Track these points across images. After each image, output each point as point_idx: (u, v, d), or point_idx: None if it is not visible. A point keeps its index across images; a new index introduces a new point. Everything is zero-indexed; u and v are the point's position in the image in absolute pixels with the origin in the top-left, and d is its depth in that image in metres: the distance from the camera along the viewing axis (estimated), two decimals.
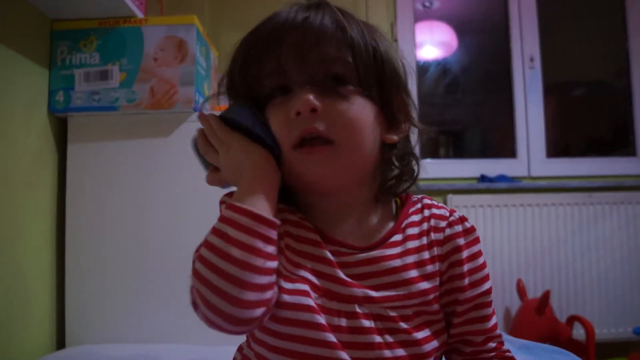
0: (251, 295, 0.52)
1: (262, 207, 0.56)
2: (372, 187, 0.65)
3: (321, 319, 0.56)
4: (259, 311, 0.54)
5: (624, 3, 2.77)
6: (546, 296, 2.16)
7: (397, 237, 0.63)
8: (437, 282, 0.62)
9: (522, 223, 2.42)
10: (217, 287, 0.52)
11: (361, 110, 0.60)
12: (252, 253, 0.53)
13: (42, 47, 1.54)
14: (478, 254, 0.64)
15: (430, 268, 0.62)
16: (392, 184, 0.67)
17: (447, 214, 0.66)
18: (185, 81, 1.57)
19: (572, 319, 2.23)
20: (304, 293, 0.57)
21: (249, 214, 0.54)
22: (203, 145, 0.66)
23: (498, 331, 0.66)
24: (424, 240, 0.63)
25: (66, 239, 1.61)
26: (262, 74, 0.59)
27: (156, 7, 2.01)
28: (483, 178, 2.58)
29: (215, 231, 0.55)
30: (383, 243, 0.62)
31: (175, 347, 1.49)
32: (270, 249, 0.55)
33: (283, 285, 0.58)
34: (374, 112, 0.62)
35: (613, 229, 2.42)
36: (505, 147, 2.78)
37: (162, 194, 1.62)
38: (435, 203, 0.68)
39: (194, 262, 0.58)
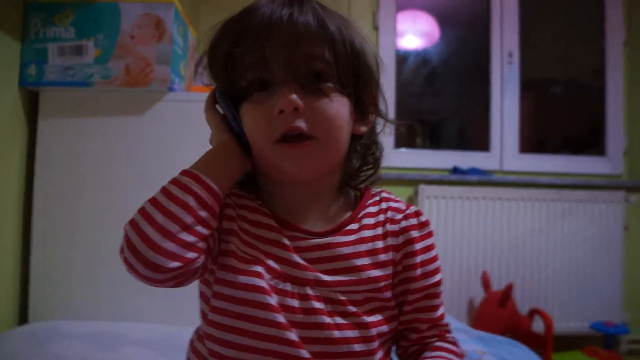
0: (171, 246, 0.56)
1: (209, 175, 0.60)
2: (338, 176, 0.68)
3: (271, 300, 0.59)
4: (174, 264, 0.56)
5: (603, 2, 2.81)
6: (509, 289, 2.21)
7: (353, 226, 0.65)
8: (389, 270, 0.64)
9: (490, 216, 2.47)
10: (145, 232, 0.57)
11: (340, 107, 0.62)
12: (183, 208, 0.57)
13: (15, 19, 1.51)
14: (431, 246, 0.67)
15: (383, 257, 0.64)
16: (357, 172, 0.69)
17: (404, 207, 0.68)
18: (162, 60, 1.55)
19: (533, 312, 2.29)
20: (257, 274, 0.60)
21: (192, 175, 0.60)
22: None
23: (445, 320, 0.69)
24: (379, 230, 0.65)
25: (33, 214, 1.59)
26: (245, 65, 0.61)
27: None
28: (455, 170, 2.62)
29: (162, 189, 0.61)
30: (338, 230, 0.64)
31: (142, 325, 1.50)
32: (204, 213, 0.58)
33: (236, 266, 0.61)
34: (349, 107, 0.64)
35: (579, 226, 2.48)
36: (479, 140, 2.81)
37: (134, 172, 1.61)
38: (393, 197, 0.71)
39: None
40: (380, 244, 0.65)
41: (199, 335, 0.66)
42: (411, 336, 0.67)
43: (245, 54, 0.60)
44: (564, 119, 3.10)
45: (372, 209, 0.68)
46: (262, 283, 0.59)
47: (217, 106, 0.68)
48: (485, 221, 2.47)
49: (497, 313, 2.21)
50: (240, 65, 0.61)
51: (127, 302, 1.53)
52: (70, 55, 1.54)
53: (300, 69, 0.60)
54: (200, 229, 0.58)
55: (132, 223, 0.59)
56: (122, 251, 0.60)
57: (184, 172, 0.61)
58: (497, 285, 2.39)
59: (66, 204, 1.60)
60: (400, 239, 0.66)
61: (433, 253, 0.67)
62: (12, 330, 1.42)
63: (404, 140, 2.80)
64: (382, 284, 0.63)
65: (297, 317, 0.59)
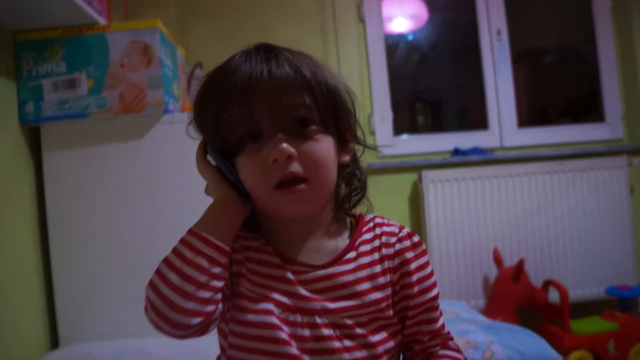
0: (191, 305, 0.61)
1: (216, 235, 0.64)
2: (330, 206, 0.72)
3: (282, 334, 0.64)
4: (196, 320, 0.62)
5: None
6: (520, 264, 2.24)
7: (351, 255, 0.69)
8: (389, 291, 0.68)
9: (496, 194, 2.49)
10: (164, 294, 0.61)
11: (326, 147, 0.66)
12: (197, 270, 0.62)
13: (6, 59, 1.56)
14: (425, 264, 0.71)
15: (381, 280, 0.68)
16: (346, 198, 0.74)
17: (397, 230, 0.72)
18: (153, 84, 1.59)
19: (547, 284, 2.31)
20: (268, 312, 0.65)
21: (201, 237, 0.63)
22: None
23: (446, 330, 0.74)
24: (376, 255, 0.69)
25: (50, 244, 1.65)
26: (235, 123, 0.64)
27: (121, 8, 2.01)
28: (457, 151, 2.64)
29: (174, 250, 0.65)
30: (338, 260, 0.69)
31: (167, 341, 1.55)
32: (216, 269, 0.63)
33: (247, 306, 0.66)
34: (334, 143, 0.68)
35: (584, 195, 2.49)
36: (478, 120, 2.83)
37: (138, 194, 1.66)
38: (386, 221, 0.74)
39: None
40: (378, 268, 0.69)
41: None
42: (415, 347, 0.72)
43: (233, 112, 0.64)
44: (560, 87, 3.10)
45: (367, 236, 0.71)
46: (273, 319, 0.64)
47: (208, 157, 0.71)
48: (491, 200, 2.49)
49: (512, 288, 2.24)
50: (229, 124, 0.65)
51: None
52: (64, 90, 1.59)
53: (286, 118, 0.64)
54: (215, 283, 0.63)
55: (152, 285, 0.63)
56: (146, 310, 0.64)
57: (193, 234, 0.64)
58: (510, 261, 2.41)
59: (78, 229, 1.66)
60: (396, 261, 0.69)
61: (428, 270, 0.70)
62: (46, 355, 1.49)
63: (403, 126, 2.81)
64: (384, 304, 0.67)
65: (309, 345, 0.64)
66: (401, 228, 0.73)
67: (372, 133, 2.66)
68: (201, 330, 0.64)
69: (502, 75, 2.74)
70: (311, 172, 0.64)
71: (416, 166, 2.59)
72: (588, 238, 2.50)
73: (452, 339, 0.74)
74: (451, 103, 3.16)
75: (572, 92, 3.11)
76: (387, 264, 0.69)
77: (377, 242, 0.70)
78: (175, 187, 1.61)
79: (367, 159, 2.50)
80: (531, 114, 3.00)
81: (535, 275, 2.43)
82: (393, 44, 2.88)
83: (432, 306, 0.70)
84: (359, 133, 0.73)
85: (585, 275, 2.47)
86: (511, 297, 2.24)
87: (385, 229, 0.72)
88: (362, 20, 2.69)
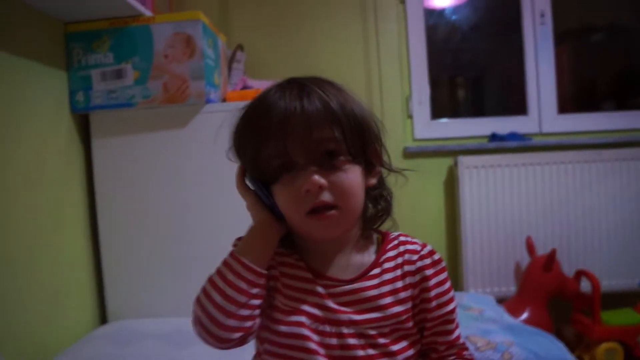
0: (232, 322, 0.69)
1: (255, 258, 0.72)
2: (359, 225, 0.78)
3: (312, 345, 0.71)
4: (237, 335, 0.70)
5: None
6: (553, 254, 2.24)
7: (376, 271, 0.75)
8: (409, 305, 0.75)
9: (532, 181, 2.48)
10: (209, 312, 0.69)
11: (353, 176, 0.72)
12: (237, 292, 0.69)
13: (58, 51, 1.63)
14: (444, 281, 0.77)
15: (403, 295, 0.74)
16: (373, 219, 0.80)
17: (419, 248, 0.78)
18: (196, 75, 1.65)
19: (579, 274, 2.31)
20: (299, 324, 0.72)
21: (241, 263, 0.71)
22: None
23: (461, 341, 0.79)
24: (398, 272, 0.76)
25: (99, 226, 1.76)
26: (271, 156, 0.70)
27: (165, 1, 2.06)
28: (494, 136, 2.63)
29: (218, 272, 0.73)
30: (364, 276, 0.75)
31: None
32: (255, 290, 0.71)
33: (280, 318, 0.73)
34: (361, 171, 0.74)
35: (622, 186, 2.45)
36: (518, 103, 2.79)
37: (181, 179, 1.74)
38: (410, 239, 0.80)
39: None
40: (399, 284, 0.75)
41: None
42: (432, 355, 0.78)
43: (269, 146, 0.70)
44: (606, 68, 3.00)
45: (392, 253, 0.77)
46: (303, 331, 0.71)
47: (247, 181, 0.77)
48: (526, 187, 2.48)
49: (543, 277, 2.25)
50: (266, 157, 0.71)
51: (191, 297, 1.67)
52: (112, 80, 1.66)
53: (316, 151, 0.69)
54: (253, 302, 0.71)
55: (198, 302, 0.71)
56: (194, 324, 0.72)
57: (235, 258, 0.72)
58: (543, 249, 2.42)
59: (125, 210, 1.76)
60: (417, 277, 0.75)
61: (446, 286, 0.76)
62: (95, 332, 1.60)
63: (440, 110, 2.80)
64: (404, 317, 0.74)
65: (336, 352, 0.71)
66: (423, 246, 0.79)
67: (410, 116, 2.67)
68: (241, 342, 0.72)
69: (543, 59, 2.69)
70: (340, 200, 0.70)
71: (453, 151, 2.59)
72: (624, 229, 2.47)
73: (466, 349, 0.80)
74: (491, 82, 3.11)
75: (619, 73, 3.00)
76: (408, 279, 0.75)
77: (400, 260, 0.76)
78: (215, 173, 1.68)
79: (403, 143, 2.51)
80: (573, 98, 2.93)
81: (568, 265, 2.43)
82: (433, 24, 2.85)
83: (448, 319, 0.76)
84: (385, 157, 0.78)
85: (619, 267, 2.46)
86: (542, 286, 2.26)
87: (409, 247, 0.78)
88: (402, 0, 2.66)
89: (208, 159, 1.69)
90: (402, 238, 0.79)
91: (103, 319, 1.78)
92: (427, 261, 0.76)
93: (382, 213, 0.79)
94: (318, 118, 0.69)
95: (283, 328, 0.72)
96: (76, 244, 1.68)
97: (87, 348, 1.48)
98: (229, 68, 2.22)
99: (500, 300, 2.32)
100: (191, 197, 1.75)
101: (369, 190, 0.77)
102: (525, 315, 2.20)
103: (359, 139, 0.72)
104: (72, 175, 1.68)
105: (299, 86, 0.71)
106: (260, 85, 2.19)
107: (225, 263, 0.72)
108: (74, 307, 1.65)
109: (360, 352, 0.71)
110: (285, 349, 0.71)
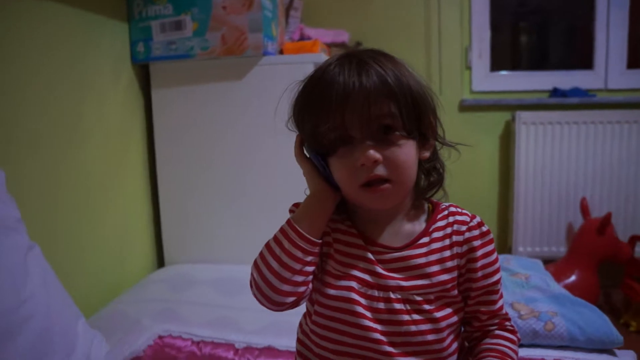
0: (286, 287, 0.73)
1: (310, 227, 0.75)
2: (411, 197, 0.80)
3: (360, 309, 0.74)
4: (290, 299, 0.74)
5: None
6: (608, 218, 2.19)
7: (425, 240, 0.77)
8: (455, 274, 0.77)
9: (592, 141, 2.38)
10: (265, 276, 0.73)
11: (408, 151, 0.73)
12: (293, 259, 0.73)
13: (120, 3, 1.65)
14: (491, 252, 0.78)
15: (449, 264, 0.76)
16: (425, 191, 0.81)
17: (468, 219, 0.79)
18: (254, 28, 1.64)
19: (634, 239, 2.25)
20: (349, 288, 0.75)
21: (298, 232, 0.74)
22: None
23: (503, 311, 0.81)
24: (447, 241, 0.77)
25: (157, 174, 1.82)
26: (329, 129, 0.72)
27: None
28: (556, 91, 2.52)
29: (275, 238, 0.76)
30: (413, 244, 0.77)
31: None
32: (309, 258, 0.74)
33: (331, 282, 0.76)
34: (415, 146, 0.75)
35: None
36: (582, 57, 2.65)
37: (237, 129, 1.77)
38: (459, 210, 0.81)
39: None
40: (447, 253, 0.77)
41: (304, 331, 0.82)
42: (474, 323, 0.80)
43: (328, 120, 0.71)
44: None
45: (441, 223, 0.79)
46: (353, 295, 0.74)
47: (305, 151, 0.79)
48: (585, 146, 2.40)
49: (596, 240, 2.21)
50: (324, 131, 0.72)
51: (245, 244, 1.70)
52: (171, 31, 1.67)
53: (373, 126, 0.71)
54: (307, 268, 0.74)
55: (256, 266, 0.75)
56: (251, 286, 0.76)
57: (292, 227, 0.74)
58: (598, 212, 2.36)
59: (182, 158, 1.81)
60: (465, 248, 0.77)
61: (492, 257, 0.78)
62: (152, 276, 1.70)
63: (500, 62, 2.69)
64: (450, 285, 0.76)
65: (383, 316, 0.74)
66: (472, 217, 0.79)
67: (468, 68, 2.59)
68: (293, 305, 0.76)
69: (617, 3, 2.50)
70: (394, 174, 0.71)
71: (511, 105, 2.51)
72: None
73: (509, 319, 0.82)
74: (556, 30, 2.95)
75: None
76: (456, 249, 0.77)
77: (449, 230, 0.78)
78: (270, 124, 1.69)
79: (460, 95, 2.46)
80: None
81: (624, 228, 2.38)
82: None
83: (492, 289, 0.78)
84: (439, 131, 0.79)
85: None
86: (594, 249, 2.22)
87: (458, 217, 0.79)
88: None
89: (265, 111, 1.70)
90: (452, 209, 0.81)
91: (161, 262, 1.88)
92: (476, 232, 0.77)
93: (434, 185, 0.81)
94: (375, 94, 0.69)
95: (333, 292, 0.75)
96: (137, 191, 1.76)
97: (144, 291, 1.57)
98: (287, 15, 2.19)
99: (549, 261, 2.31)
100: (247, 149, 1.78)
101: (422, 162, 0.78)
102: (573, 278, 2.19)
103: (415, 114, 0.73)
104: (133, 124, 1.74)
105: (357, 61, 0.72)
106: (317, 34, 2.16)
107: (282, 230, 0.75)
108: (135, 251, 1.75)
109: (406, 317, 0.74)
110: (335, 311, 0.75)
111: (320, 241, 0.75)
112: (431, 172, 0.81)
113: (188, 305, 1.49)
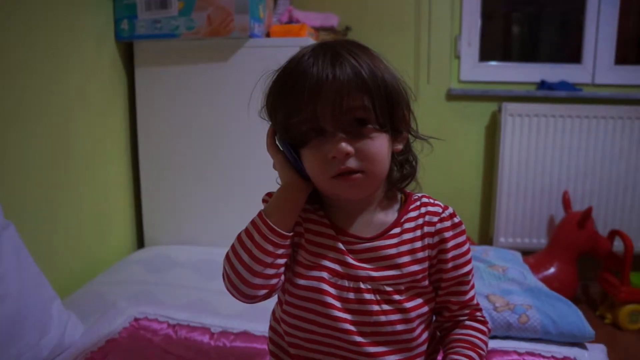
0: (258, 281, 0.73)
1: (281, 220, 0.75)
2: (383, 188, 0.81)
3: (329, 299, 0.74)
4: (262, 292, 0.75)
5: None
6: (588, 212, 2.21)
7: (396, 230, 0.78)
8: (426, 264, 0.77)
9: (577, 135, 2.39)
10: (237, 270, 0.74)
11: (380, 143, 0.73)
12: (264, 253, 0.73)
13: None
14: (462, 243, 0.79)
15: (420, 255, 0.77)
16: (398, 182, 0.81)
17: (440, 210, 0.79)
18: (241, 9, 1.62)
19: (613, 233, 2.28)
20: (319, 279, 0.75)
21: (269, 226, 0.74)
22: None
23: (475, 302, 0.82)
24: (418, 232, 0.78)
25: (139, 154, 1.80)
26: (301, 121, 0.71)
27: None
28: (543, 84, 2.52)
29: (246, 231, 0.76)
30: (384, 234, 0.77)
31: None
32: (281, 251, 0.74)
33: (302, 272, 0.77)
34: (388, 139, 0.74)
35: None
36: (571, 51, 2.65)
37: (221, 112, 1.75)
38: (432, 201, 0.81)
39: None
40: (418, 244, 0.77)
41: (275, 318, 0.82)
42: (445, 314, 0.81)
43: (300, 111, 0.71)
44: None
45: (413, 214, 0.79)
46: (323, 285, 0.75)
47: (277, 141, 0.78)
48: (570, 140, 2.41)
49: (576, 233, 2.23)
50: (296, 122, 0.72)
51: (226, 227, 1.70)
52: (156, 9, 1.64)
53: (345, 119, 0.70)
54: (279, 261, 0.75)
55: (228, 259, 0.75)
56: (223, 278, 0.76)
57: (263, 221, 0.74)
58: (579, 206, 2.38)
59: (164, 141, 1.79)
60: (436, 239, 0.77)
61: (464, 249, 0.78)
62: (131, 257, 1.69)
63: (488, 53, 2.68)
64: (420, 276, 0.76)
65: (352, 306, 0.75)
66: (445, 208, 0.80)
67: (457, 57, 2.58)
68: (266, 297, 0.76)
69: (607, 1, 2.50)
70: (366, 166, 0.71)
71: (498, 96, 2.51)
72: None
73: (480, 310, 0.83)
74: (547, 22, 2.93)
75: None
76: (427, 240, 0.77)
77: (420, 220, 0.78)
78: (255, 108, 1.68)
79: (448, 85, 2.45)
80: (636, 47, 2.76)
81: (604, 223, 2.41)
82: None
83: (463, 280, 0.79)
84: (413, 124, 0.79)
85: None
86: (574, 242, 2.24)
87: (430, 208, 0.79)
88: None
89: (249, 94, 1.68)
90: (424, 199, 0.81)
91: (141, 243, 1.86)
92: (447, 224, 0.78)
93: (407, 177, 0.81)
94: (349, 86, 0.69)
95: (303, 282, 0.76)
96: (118, 170, 1.74)
97: (122, 272, 1.57)
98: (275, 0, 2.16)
99: (529, 253, 2.33)
100: (230, 131, 1.76)
101: (395, 155, 0.78)
102: (552, 270, 2.21)
103: (388, 107, 0.72)
104: (115, 102, 1.71)
105: (332, 53, 0.71)
106: (306, 17, 2.13)
107: (253, 223, 0.75)
108: (114, 231, 1.73)
109: (375, 307, 0.74)
110: (305, 301, 0.76)
111: (291, 234, 0.75)
112: (404, 165, 0.81)
113: (165, 287, 1.48)
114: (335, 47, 0.72)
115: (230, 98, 1.73)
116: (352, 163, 0.70)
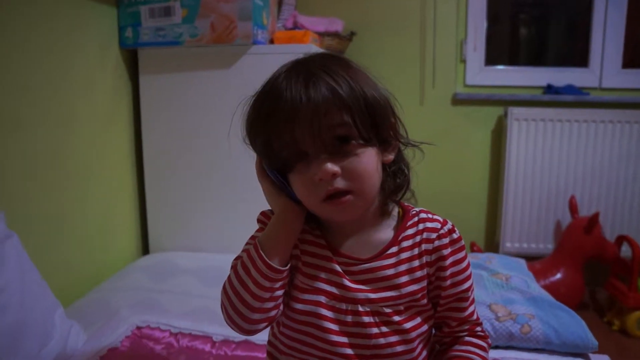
0: (257, 316, 0.72)
1: (278, 254, 0.72)
2: (378, 203, 0.77)
3: (327, 323, 0.73)
4: (262, 325, 0.73)
5: None
6: (596, 217, 2.19)
7: (393, 249, 0.76)
8: (424, 283, 0.76)
9: (584, 139, 2.38)
10: (235, 305, 0.72)
11: (367, 159, 0.70)
12: (262, 289, 0.71)
13: None
14: (461, 260, 0.76)
15: (419, 273, 0.75)
16: (392, 194, 0.78)
17: (439, 226, 0.77)
18: (244, 16, 1.62)
19: (621, 239, 2.26)
20: (316, 303, 0.74)
21: (265, 262, 0.71)
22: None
23: (474, 317, 0.80)
24: (416, 250, 0.76)
25: (144, 161, 1.81)
26: (281, 147, 0.70)
27: None
28: (550, 88, 2.51)
29: (243, 265, 0.73)
30: (381, 255, 0.75)
31: None
32: (278, 284, 0.72)
33: (298, 296, 0.75)
34: (375, 152, 0.72)
35: None
36: (578, 55, 2.63)
37: (225, 119, 1.75)
38: (430, 216, 0.79)
39: (226, 281, 0.75)
40: (416, 263, 0.75)
41: (274, 333, 0.82)
42: (444, 329, 0.80)
43: (279, 137, 0.69)
44: None
45: (410, 231, 0.77)
46: (320, 310, 0.73)
47: (265, 168, 0.77)
48: (577, 144, 2.39)
49: (583, 239, 2.22)
50: (277, 148, 0.70)
51: (230, 233, 1.69)
52: (160, 17, 1.65)
53: (326, 138, 0.67)
54: (278, 293, 0.73)
55: (225, 294, 0.73)
56: (222, 311, 0.75)
57: (259, 256, 0.71)
58: (586, 211, 2.36)
59: (169, 149, 1.80)
60: (434, 256, 0.75)
61: (463, 265, 0.76)
62: (136, 263, 1.69)
63: (494, 57, 2.67)
64: (419, 295, 0.75)
65: (350, 329, 0.73)
66: (444, 224, 0.77)
67: (463, 61, 2.57)
68: (266, 327, 0.75)
69: (615, 2, 2.48)
70: (355, 184, 0.69)
71: (504, 100, 2.50)
72: None
73: (480, 324, 0.81)
74: (554, 26, 2.92)
75: None
76: (425, 258, 0.75)
77: (418, 238, 0.76)
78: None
79: (453, 89, 2.43)
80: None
81: (611, 229, 2.38)
82: None
83: (462, 297, 0.77)
84: (401, 131, 0.76)
85: None
86: (581, 247, 2.23)
87: (428, 224, 0.77)
88: None
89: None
90: (422, 215, 0.79)
91: (146, 250, 1.87)
92: (445, 240, 0.76)
93: (401, 187, 0.78)
94: (325, 106, 0.66)
95: (300, 306, 0.74)
96: (122, 178, 1.75)
97: (126, 279, 1.57)
98: (280, 3, 2.16)
99: (535, 258, 2.32)
100: (233, 138, 1.76)
101: (386, 165, 0.76)
102: (559, 276, 2.20)
103: (371, 120, 0.70)
104: (120, 110, 1.72)
105: (305, 73, 0.68)
106: (310, 22, 2.13)
107: (249, 256, 0.73)
108: (119, 237, 1.74)
109: (374, 330, 0.73)
110: (302, 324, 0.75)
111: (287, 269, 0.73)
112: (397, 175, 0.78)
113: (169, 294, 1.48)
114: (309, 66, 0.70)
115: (234, 105, 1.72)
116: (339, 183, 0.68)
